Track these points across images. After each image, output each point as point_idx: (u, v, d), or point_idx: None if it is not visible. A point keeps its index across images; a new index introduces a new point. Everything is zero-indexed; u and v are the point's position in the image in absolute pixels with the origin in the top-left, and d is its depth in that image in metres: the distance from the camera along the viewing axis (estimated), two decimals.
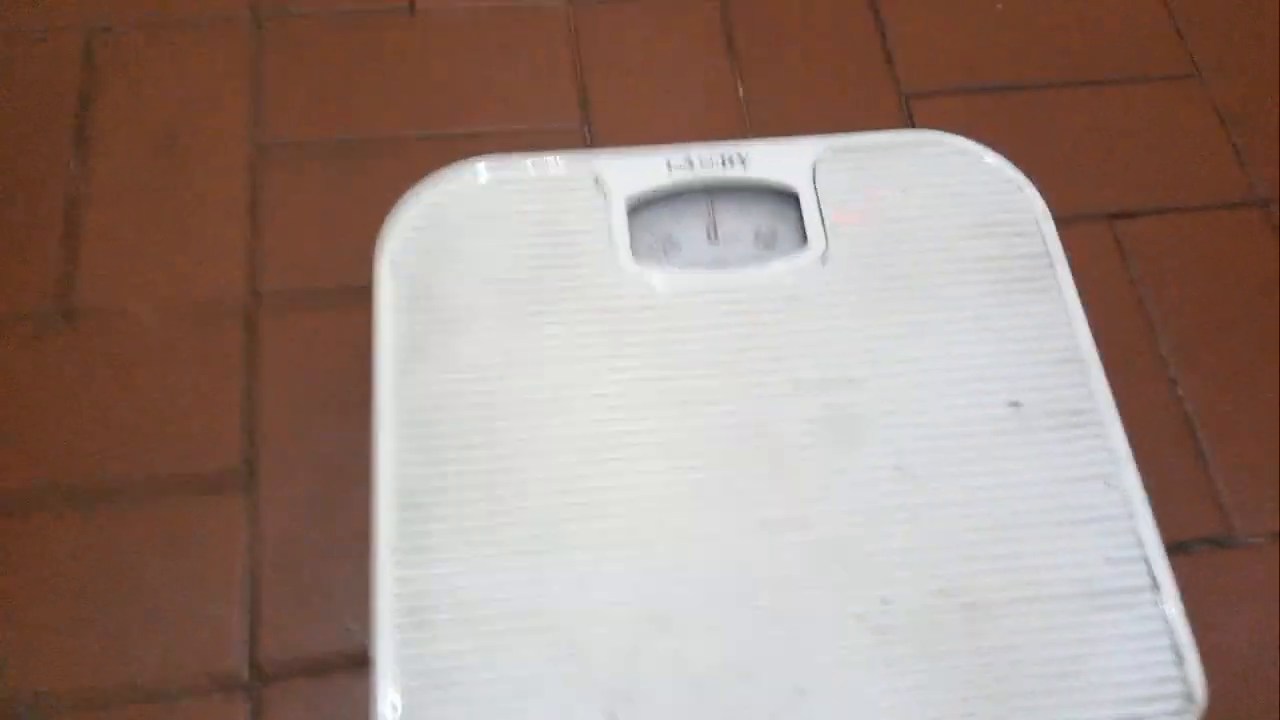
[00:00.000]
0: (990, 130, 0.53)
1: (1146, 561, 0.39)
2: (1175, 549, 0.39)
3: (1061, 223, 0.46)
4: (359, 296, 0.48)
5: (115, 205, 0.52)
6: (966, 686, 0.37)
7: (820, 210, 0.46)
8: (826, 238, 0.46)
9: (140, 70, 0.56)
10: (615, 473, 0.40)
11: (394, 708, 0.35)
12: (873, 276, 0.45)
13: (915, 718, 0.36)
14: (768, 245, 0.47)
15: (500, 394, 0.41)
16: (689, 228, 0.47)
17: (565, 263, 0.45)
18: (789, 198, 0.47)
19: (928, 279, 0.45)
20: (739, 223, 0.47)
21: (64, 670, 0.41)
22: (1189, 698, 0.37)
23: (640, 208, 0.47)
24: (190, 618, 0.42)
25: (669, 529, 0.39)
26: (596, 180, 0.47)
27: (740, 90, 0.57)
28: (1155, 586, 0.38)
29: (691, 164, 0.47)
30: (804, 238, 0.46)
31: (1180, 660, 0.37)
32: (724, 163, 0.47)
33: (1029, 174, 0.47)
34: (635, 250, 0.45)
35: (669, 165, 0.47)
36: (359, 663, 0.41)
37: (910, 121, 0.56)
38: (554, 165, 0.47)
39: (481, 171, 0.47)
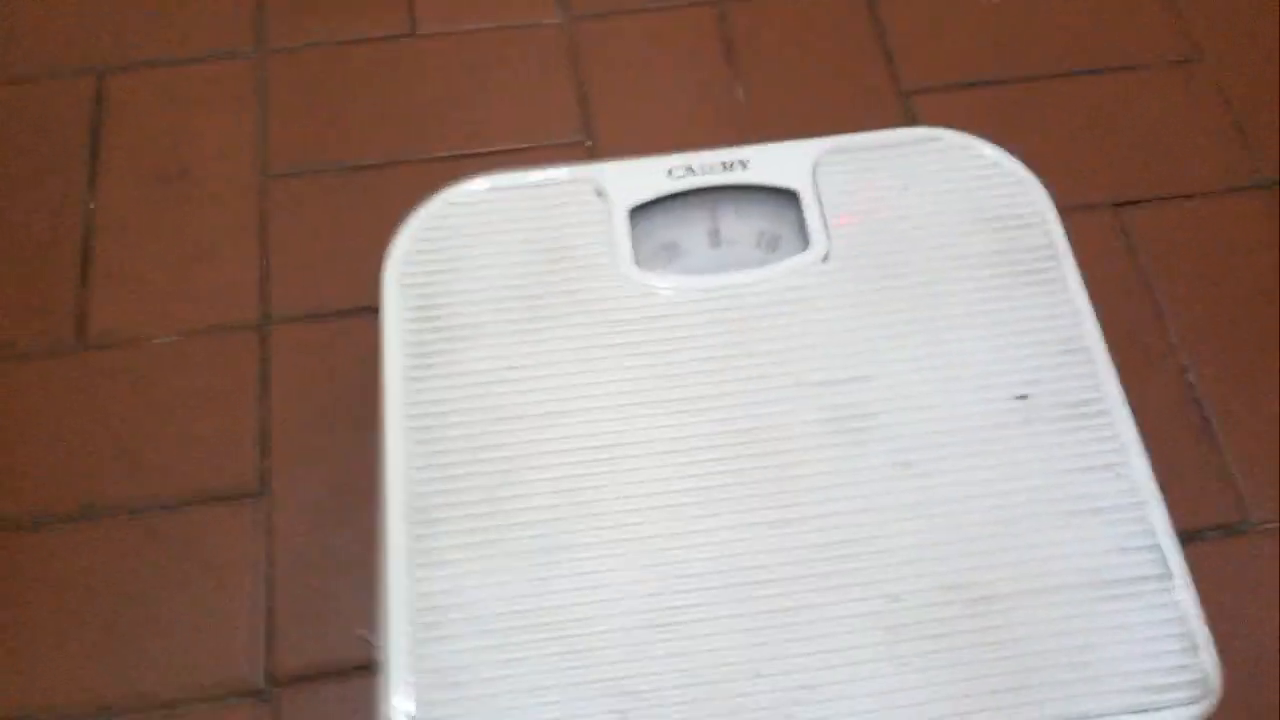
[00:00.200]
0: (992, 124, 0.53)
1: (1159, 550, 0.39)
2: (1188, 537, 0.39)
3: (1066, 213, 0.46)
4: (367, 314, 0.48)
5: (128, 234, 0.53)
6: (978, 681, 0.36)
7: (822, 211, 0.47)
8: (829, 238, 0.46)
9: (150, 105, 0.57)
10: (622, 477, 0.40)
11: (405, 712, 0.36)
12: (876, 275, 0.45)
13: (927, 714, 0.36)
14: (770, 248, 0.47)
15: (506, 403, 0.42)
16: (691, 233, 0.48)
17: (569, 273, 0.45)
18: (790, 200, 0.48)
19: (932, 275, 0.45)
20: (741, 226, 0.48)
21: (80, 682, 0.42)
22: (1204, 687, 0.36)
23: (642, 215, 0.47)
24: (205, 628, 0.43)
25: (676, 531, 0.39)
26: (598, 190, 0.47)
27: (740, 95, 0.57)
28: (1168, 575, 0.38)
29: (692, 170, 0.48)
30: (806, 239, 0.46)
31: (1194, 649, 0.37)
32: (725, 167, 0.48)
33: (1032, 166, 0.47)
34: (638, 258, 0.46)
35: (670, 172, 0.48)
36: (372, 669, 0.41)
37: (911, 119, 0.56)
38: (555, 177, 0.48)
39: (484, 186, 0.47)
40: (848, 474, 0.40)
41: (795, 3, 0.57)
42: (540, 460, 0.41)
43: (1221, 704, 0.36)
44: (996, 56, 0.58)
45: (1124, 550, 0.39)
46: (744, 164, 0.48)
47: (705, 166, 0.48)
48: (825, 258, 0.45)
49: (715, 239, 0.48)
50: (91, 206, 0.54)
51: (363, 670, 0.42)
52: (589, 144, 0.55)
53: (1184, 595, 0.38)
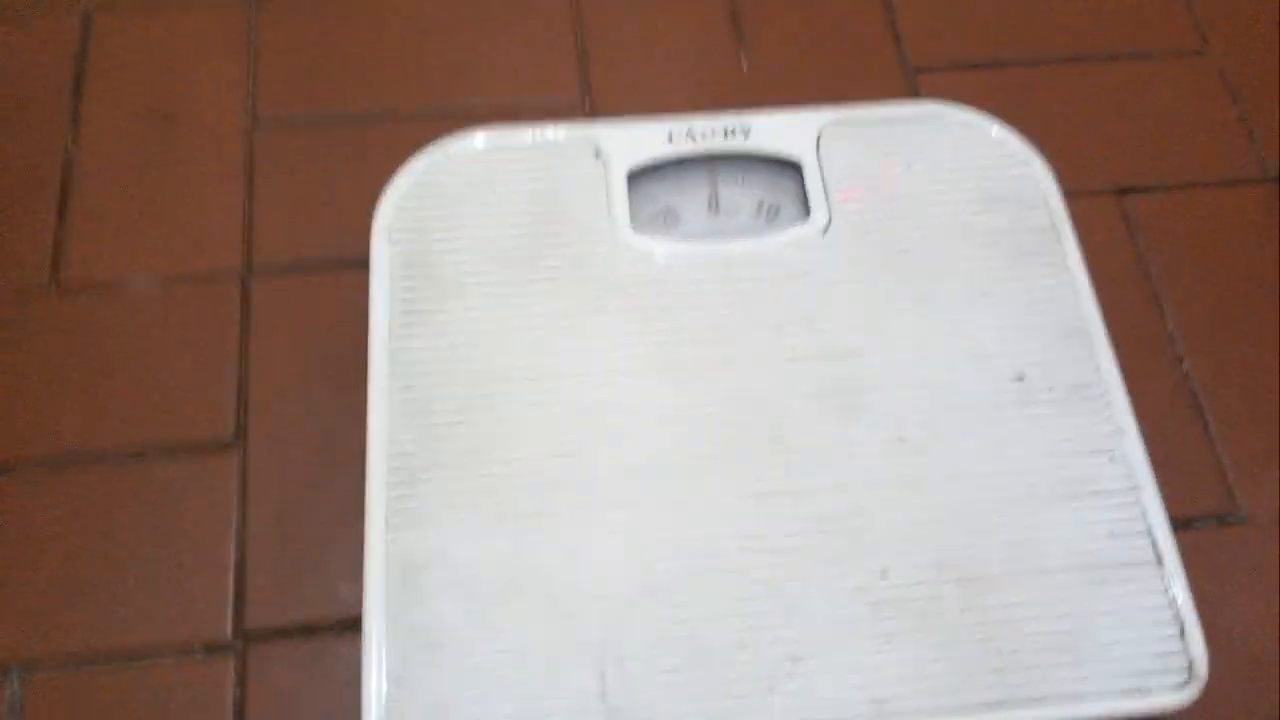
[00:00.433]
0: (996, 104, 0.53)
1: (1150, 536, 0.38)
2: (1180, 525, 0.39)
3: (1068, 198, 0.45)
4: (355, 268, 0.47)
5: (110, 178, 0.52)
6: (965, 660, 0.36)
7: (824, 182, 0.46)
8: (829, 210, 0.45)
9: (135, 45, 0.55)
10: (610, 442, 0.39)
11: (384, 671, 0.35)
12: (876, 249, 0.44)
13: (913, 690, 0.35)
14: (770, 218, 0.46)
15: (495, 363, 0.41)
16: (690, 199, 0.47)
17: (563, 233, 0.44)
18: (792, 170, 0.47)
19: (932, 251, 0.44)
20: (741, 195, 0.47)
21: (51, 634, 0.40)
22: (1191, 673, 0.36)
23: (640, 179, 0.46)
24: (173, 580, 0.42)
25: (664, 498, 0.38)
26: (596, 150, 0.46)
27: (744, 64, 0.56)
28: (1159, 561, 0.38)
29: (693, 135, 0.47)
30: (807, 210, 0.45)
31: (1183, 635, 0.37)
32: (726, 134, 0.47)
33: (1036, 148, 0.47)
34: (635, 221, 0.45)
35: (670, 136, 0.47)
36: (348, 627, 0.40)
37: (917, 97, 0.55)
38: (553, 135, 0.47)
39: (479, 141, 0.46)
40: (841, 448, 0.40)
41: None
42: (528, 422, 0.40)
43: (1207, 690, 0.36)
44: (1004, 38, 0.57)
45: (1116, 535, 0.38)
46: (746, 131, 0.47)
47: (706, 131, 0.47)
48: (826, 229, 0.45)
49: (714, 206, 0.47)
50: (72, 146, 0.52)
51: (335, 628, 0.41)
52: (586, 102, 0.54)
53: (1174, 581, 0.38)
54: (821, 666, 0.36)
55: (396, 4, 0.56)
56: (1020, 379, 0.41)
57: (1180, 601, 0.37)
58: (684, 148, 0.47)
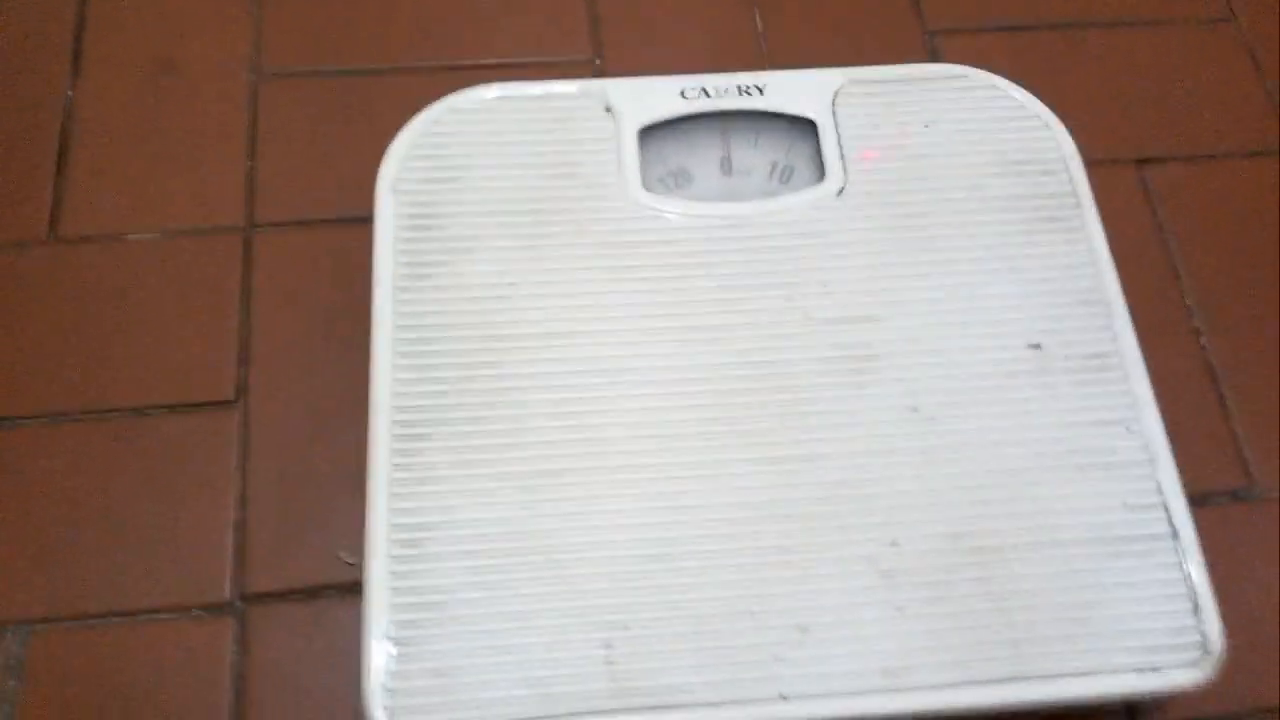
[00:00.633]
0: (1016, 69, 0.51)
1: (1166, 509, 0.38)
2: (1195, 501, 0.38)
3: (1087, 166, 0.44)
4: (359, 225, 0.46)
5: (110, 130, 0.50)
6: (976, 631, 0.35)
7: (840, 143, 0.45)
8: (845, 172, 0.44)
9: None
10: (618, 405, 0.39)
11: (386, 635, 0.34)
12: (892, 212, 0.43)
13: (923, 661, 0.35)
14: (783, 180, 0.45)
15: (502, 322, 0.40)
16: (702, 159, 0.46)
17: (573, 191, 0.43)
18: (807, 131, 0.46)
19: (949, 216, 0.43)
20: (754, 156, 0.46)
21: (50, 593, 0.40)
22: (1205, 649, 0.36)
23: (652, 137, 0.45)
24: (173, 537, 0.41)
25: (672, 462, 0.38)
26: (608, 107, 0.45)
27: (758, 23, 0.55)
28: (1174, 535, 0.37)
29: (707, 93, 0.46)
30: (822, 171, 0.44)
31: (1197, 610, 0.36)
32: (740, 91, 0.46)
33: (1055, 114, 0.45)
34: (646, 180, 0.44)
35: (683, 93, 0.46)
36: (349, 590, 0.40)
37: (935, 59, 0.54)
38: (564, 91, 0.45)
39: (489, 95, 0.45)
40: (852, 414, 0.39)
41: None
42: (535, 382, 0.39)
43: (1222, 668, 0.35)
44: (1024, 2, 0.56)
45: (1131, 507, 0.38)
46: (760, 89, 0.46)
47: (720, 89, 0.46)
48: (840, 192, 0.44)
49: (727, 167, 0.46)
50: (71, 95, 0.51)
51: (337, 589, 0.40)
52: (597, 62, 0.53)
53: (1189, 556, 0.37)
54: (831, 636, 0.35)
55: None
56: (1036, 347, 0.41)
57: (1195, 577, 0.37)
58: (697, 105, 0.46)
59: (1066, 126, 0.45)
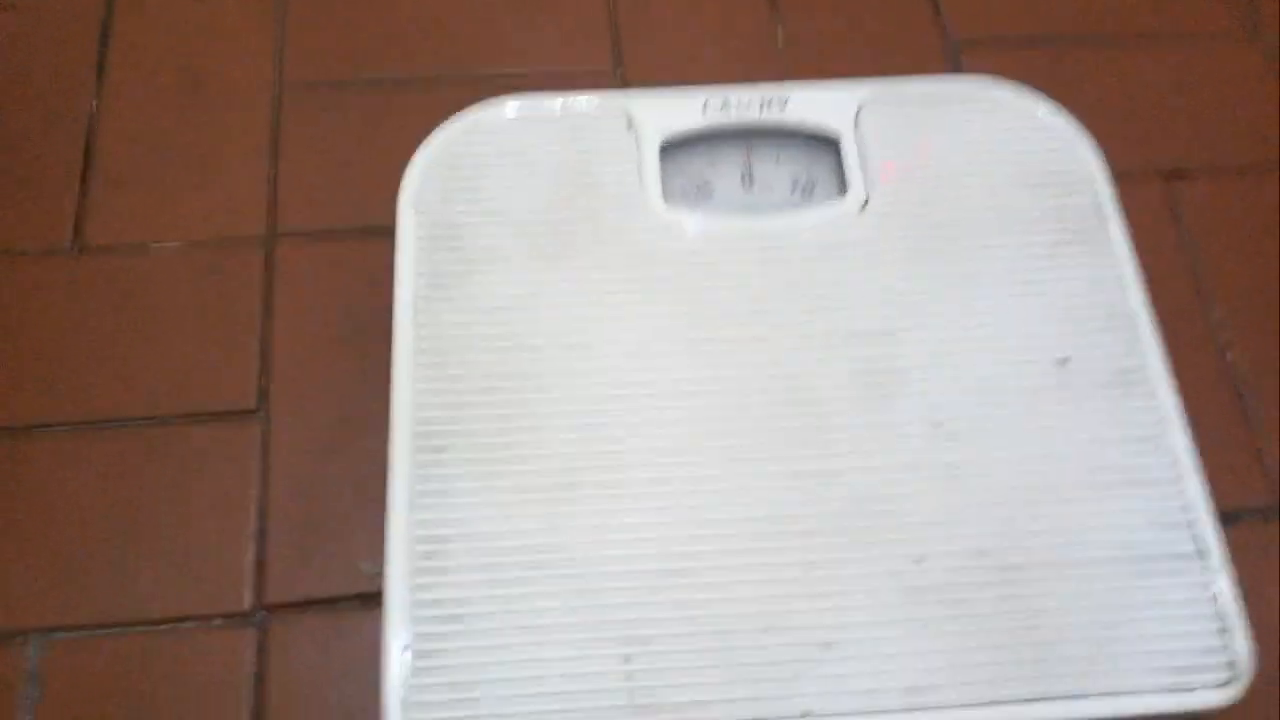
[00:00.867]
0: (1039, 82, 0.51)
1: (1195, 527, 0.37)
2: (1224, 518, 0.38)
3: (1112, 179, 0.44)
4: (381, 236, 0.46)
5: (135, 140, 0.51)
6: (1001, 650, 0.35)
7: (862, 158, 0.44)
8: (868, 186, 0.44)
9: (162, 5, 0.54)
10: (639, 419, 0.38)
11: (405, 647, 0.34)
12: (915, 227, 0.43)
13: (947, 679, 0.34)
14: (805, 194, 0.45)
15: (522, 335, 0.40)
16: (724, 173, 0.46)
17: (594, 204, 0.43)
18: (829, 145, 0.45)
19: (973, 230, 0.43)
20: (776, 170, 0.46)
21: (71, 601, 0.40)
22: (1234, 669, 0.35)
23: (673, 150, 0.45)
24: (196, 546, 0.41)
25: (693, 477, 0.37)
26: (628, 120, 0.45)
27: (780, 37, 0.55)
28: (1203, 553, 0.37)
29: (728, 106, 0.46)
30: (844, 185, 0.44)
31: (1226, 631, 0.35)
32: (763, 105, 0.46)
33: (1081, 128, 0.45)
34: (667, 194, 0.44)
35: (705, 106, 0.46)
36: (369, 601, 0.40)
37: (957, 70, 0.53)
38: (585, 104, 0.45)
39: (509, 109, 0.45)
40: (876, 430, 0.39)
41: None
42: (555, 394, 0.39)
43: (1250, 689, 0.35)
44: (1048, 14, 0.55)
45: (1159, 525, 0.37)
46: (783, 103, 0.46)
47: (742, 103, 0.46)
48: (864, 206, 0.43)
49: (748, 180, 0.45)
50: (95, 106, 0.51)
51: (356, 600, 0.40)
52: (619, 74, 0.53)
53: (1218, 575, 0.36)
54: (853, 653, 0.35)
55: None
56: (1062, 364, 0.40)
57: (1224, 596, 0.36)
58: (719, 118, 0.45)
59: (1092, 140, 0.45)
